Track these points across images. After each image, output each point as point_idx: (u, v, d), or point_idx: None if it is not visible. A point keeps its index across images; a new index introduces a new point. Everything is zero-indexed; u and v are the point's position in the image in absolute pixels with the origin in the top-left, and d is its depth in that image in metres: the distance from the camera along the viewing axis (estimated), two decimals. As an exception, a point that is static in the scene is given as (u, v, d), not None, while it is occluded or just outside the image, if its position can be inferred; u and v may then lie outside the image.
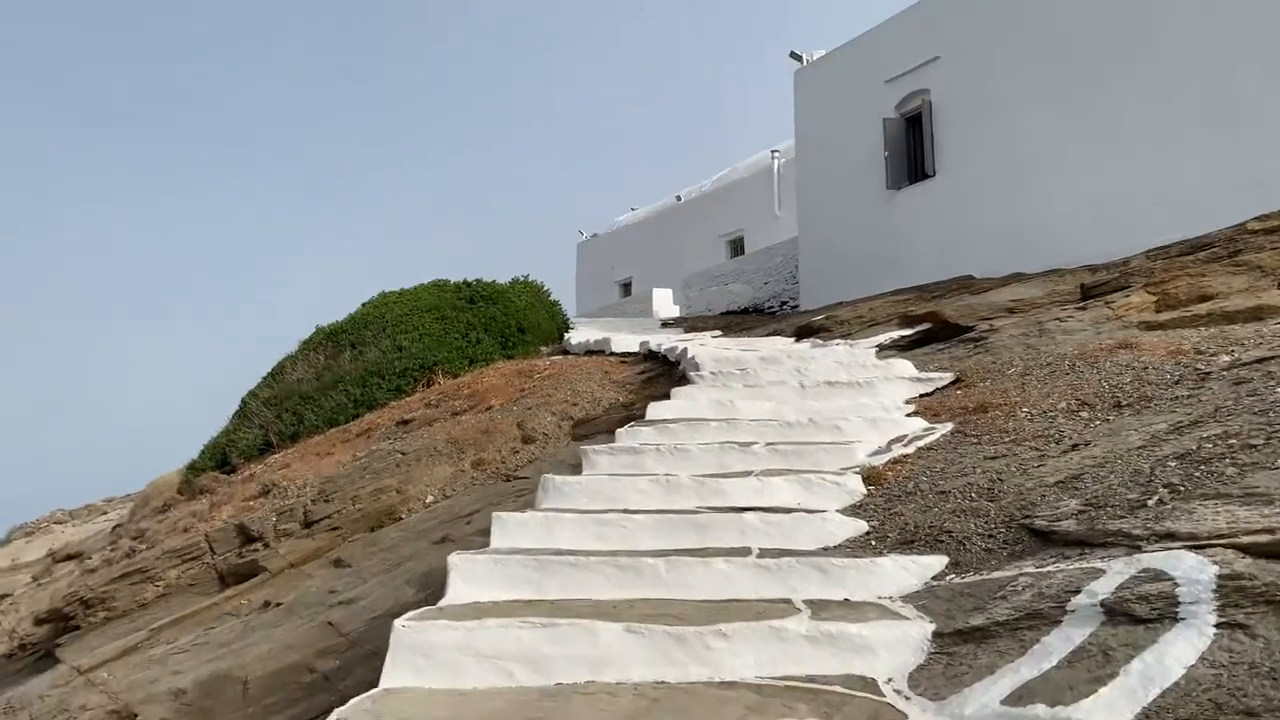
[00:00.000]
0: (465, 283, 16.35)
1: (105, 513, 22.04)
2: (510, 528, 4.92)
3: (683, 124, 66.23)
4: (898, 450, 6.00)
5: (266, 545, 8.97)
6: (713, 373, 8.30)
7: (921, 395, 7.43)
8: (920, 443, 6.09)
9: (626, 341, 13.01)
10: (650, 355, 11.91)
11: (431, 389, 13.67)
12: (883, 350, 10.16)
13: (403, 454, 9.95)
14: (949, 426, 6.31)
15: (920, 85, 14.91)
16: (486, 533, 5.65)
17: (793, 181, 21.47)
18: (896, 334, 10.44)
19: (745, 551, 4.41)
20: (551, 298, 17.80)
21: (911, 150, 15.19)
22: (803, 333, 11.74)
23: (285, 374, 15.41)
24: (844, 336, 10.90)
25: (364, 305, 16.77)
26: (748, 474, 5.63)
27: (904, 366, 8.18)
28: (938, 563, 4.16)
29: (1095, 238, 12.34)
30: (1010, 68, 13.60)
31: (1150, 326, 8.51)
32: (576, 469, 8.56)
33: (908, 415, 6.86)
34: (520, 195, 70.90)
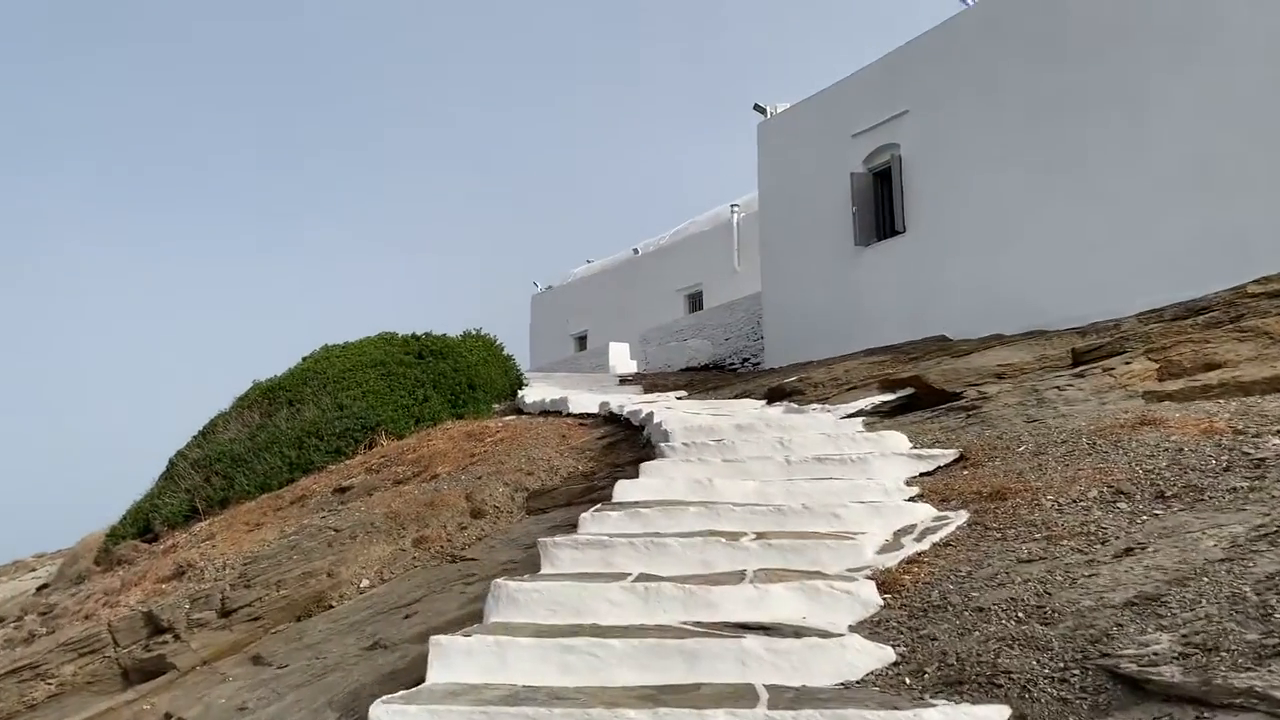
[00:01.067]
0: (414, 336, 15.30)
1: (34, 569, 20.44)
2: (452, 657, 3.88)
3: (641, 176, 65.62)
4: (910, 546, 5.07)
5: (177, 637, 7.77)
6: (685, 444, 7.34)
7: (922, 474, 6.54)
8: (934, 536, 5.17)
9: (585, 401, 12.03)
10: (611, 418, 10.94)
11: (374, 452, 12.56)
12: (864, 418, 9.30)
13: (336, 530, 8.83)
14: (964, 516, 5.41)
15: (889, 139, 14.28)
16: (425, 638, 4.63)
17: (753, 236, 20.79)
18: (877, 399, 9.59)
19: (751, 697, 3.43)
20: (505, 352, 16.80)
21: (880, 206, 14.52)
22: (774, 395, 10.85)
23: (217, 433, 14.19)
24: (820, 401, 10.03)
25: (305, 359, 15.63)
26: (740, 576, 4.65)
27: (897, 439, 7.30)
28: (999, 717, 3.22)
29: (1077, 298, 11.67)
30: (983, 121, 13.01)
31: (1158, 396, 7.74)
32: (531, 550, 7.55)
33: (910, 499, 5.96)
34: (473, 246, 69.29)
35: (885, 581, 4.63)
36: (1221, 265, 10.23)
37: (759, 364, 17.64)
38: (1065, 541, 4.68)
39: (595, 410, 11.54)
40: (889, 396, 9.61)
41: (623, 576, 4.76)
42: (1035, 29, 12.50)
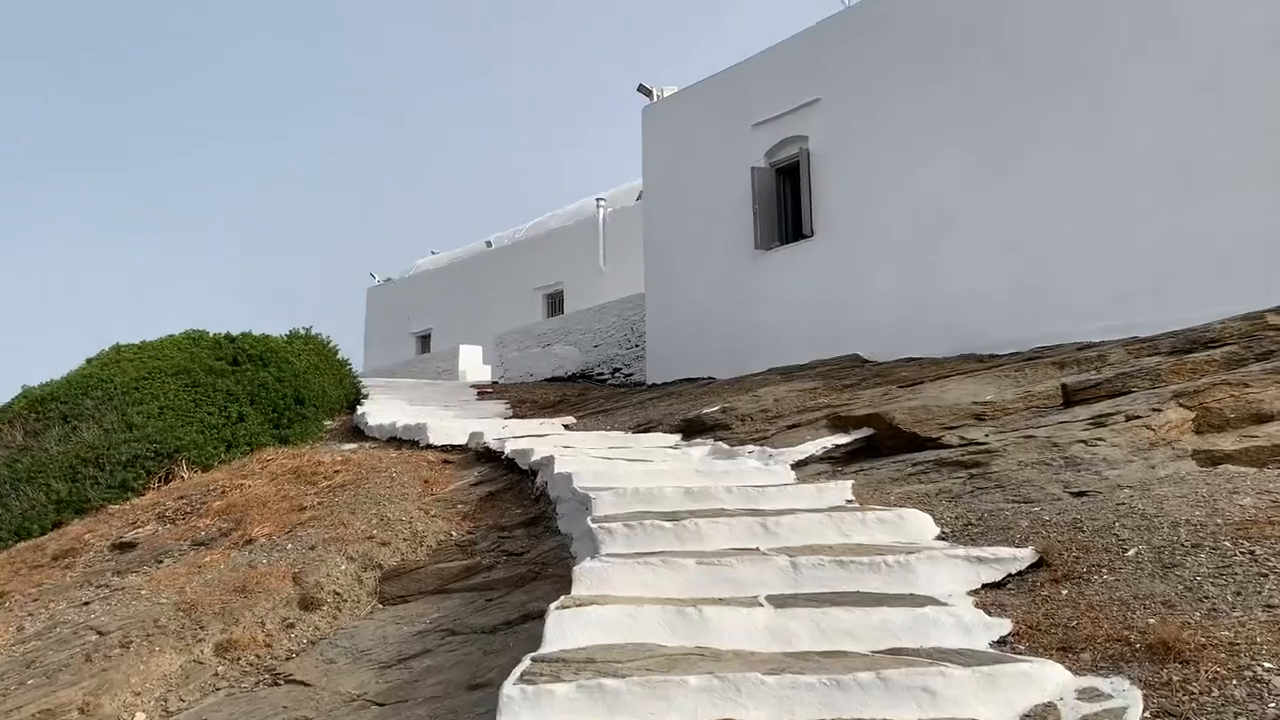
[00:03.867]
0: (227, 337, 12.17)
1: None
2: None
3: (499, 160, 60.48)
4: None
5: None
6: (626, 526, 4.91)
7: (986, 585, 4.36)
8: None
9: (448, 429, 9.39)
10: (487, 454, 8.37)
11: (170, 488, 9.53)
12: (817, 466, 7.14)
13: (101, 633, 5.92)
14: (1134, 695, 3.24)
15: (796, 131, 12.23)
16: None
17: (621, 233, 18.53)
18: (827, 441, 7.44)
19: None
20: (340, 357, 13.86)
21: (784, 205, 12.47)
22: (692, 429, 8.55)
23: (-40, 457, 10.71)
24: (755, 440, 7.79)
25: (89, 362, 12.25)
26: None
27: (918, 521, 5.11)
28: None
29: (1019, 318, 9.90)
30: (908, 112, 11.11)
31: (1213, 457, 5.89)
32: (390, 672, 5.05)
33: (1009, 645, 3.76)
34: (298, 230, 61.97)
35: None
36: (1207, 284, 8.63)
37: (632, 375, 15.38)
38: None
39: (464, 441, 8.94)
40: (842, 439, 7.47)
41: None
42: (970, 2, 10.69)
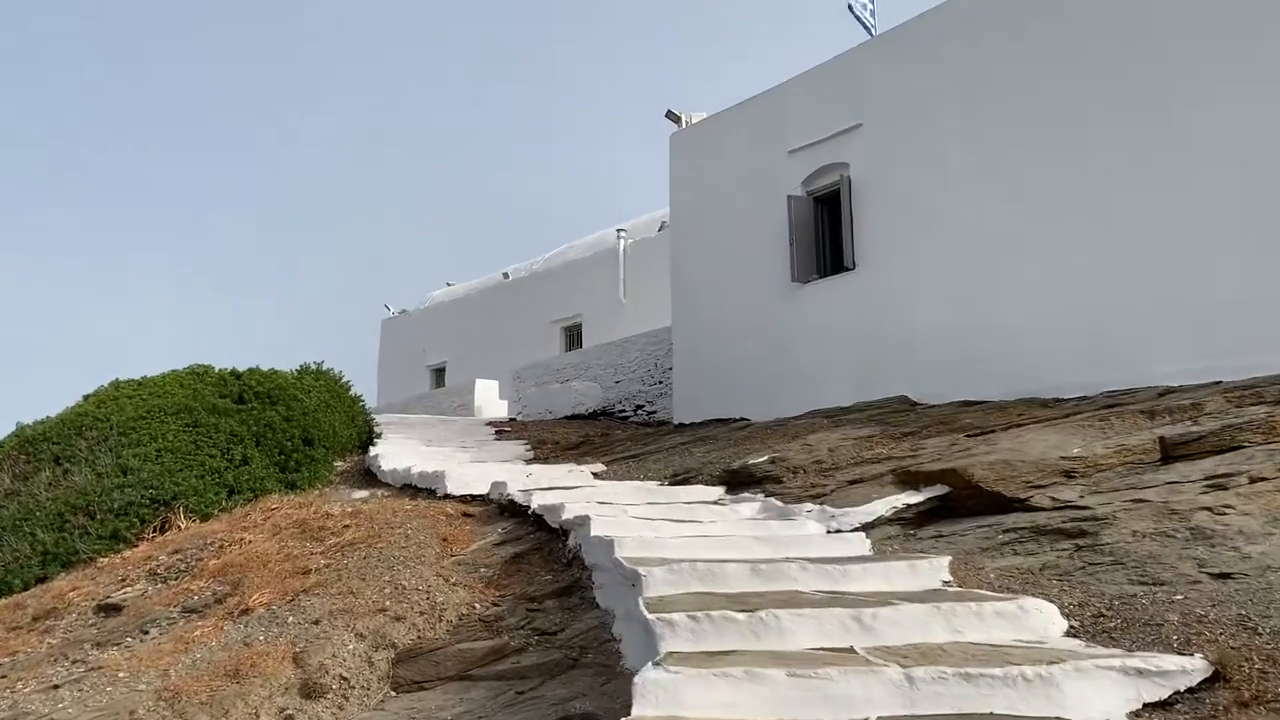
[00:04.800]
0: (233, 373, 11.35)
1: None
2: None
3: (516, 191, 59.43)
4: None
5: None
6: (691, 619, 4.02)
7: (1149, 705, 3.45)
8: None
9: (467, 476, 8.52)
10: (511, 508, 7.49)
11: (165, 539, 8.67)
12: (885, 529, 6.26)
13: (64, 730, 5.05)
14: None
15: (836, 158, 11.45)
16: None
17: (642, 265, 17.75)
18: (896, 500, 6.55)
19: None
20: (352, 392, 13.03)
21: (824, 236, 11.67)
22: (737, 481, 7.66)
23: (-55, 501, 9.88)
24: (813, 497, 6.90)
25: (86, 399, 11.43)
26: None
27: (1045, 613, 4.22)
28: None
29: (1081, 359, 9.06)
30: (958, 138, 10.32)
31: (1365, 529, 5.00)
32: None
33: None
34: (313, 262, 60.90)
35: None
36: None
37: (655, 413, 14.53)
38: None
39: (485, 491, 8.06)
40: (913, 497, 6.58)
41: None
42: (1032, 22, 9.90)
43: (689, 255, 13.00)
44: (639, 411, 14.93)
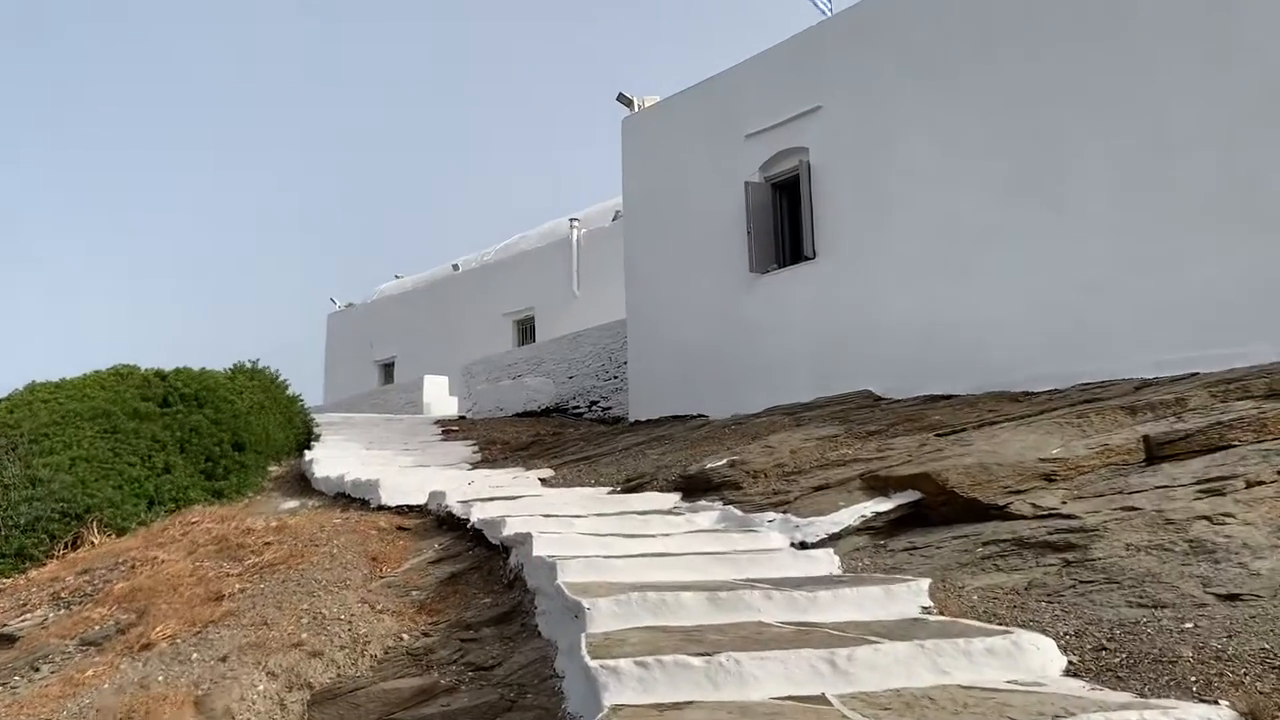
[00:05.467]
0: (158, 374, 10.57)
1: None
2: None
3: (466, 178, 57.67)
4: None
5: None
6: (640, 665, 3.44)
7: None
8: None
9: (404, 485, 7.86)
10: (450, 521, 6.86)
11: (77, 556, 7.94)
12: (853, 538, 5.74)
13: (-81, 796, 4.35)
14: None
15: (795, 142, 10.91)
16: None
17: (597, 255, 17.13)
18: (866, 508, 6.02)
19: None
20: (290, 392, 12.30)
21: (783, 225, 11.13)
22: (694, 488, 7.08)
23: None
24: (775, 505, 6.35)
25: (-2, 403, 10.58)
26: None
27: (1041, 648, 3.68)
28: None
29: (1057, 350, 8.62)
30: (921, 119, 9.83)
31: (1376, 539, 4.55)
32: None
33: None
34: (251, 250, 58.26)
35: None
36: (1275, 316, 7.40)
37: (611, 409, 13.95)
38: None
39: (422, 501, 7.43)
40: (883, 504, 6.06)
41: None
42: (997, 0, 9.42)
43: (643, 245, 12.41)
44: (594, 408, 14.34)
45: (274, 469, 10.74)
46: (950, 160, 9.52)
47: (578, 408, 14.43)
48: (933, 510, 5.98)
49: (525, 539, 5.48)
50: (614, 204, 16.86)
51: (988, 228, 9.22)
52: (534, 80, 61.27)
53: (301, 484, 9.73)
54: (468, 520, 6.49)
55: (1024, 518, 5.48)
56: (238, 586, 5.97)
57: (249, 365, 12.07)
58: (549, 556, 5.08)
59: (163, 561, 6.75)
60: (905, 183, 9.88)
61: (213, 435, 9.83)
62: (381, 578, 5.97)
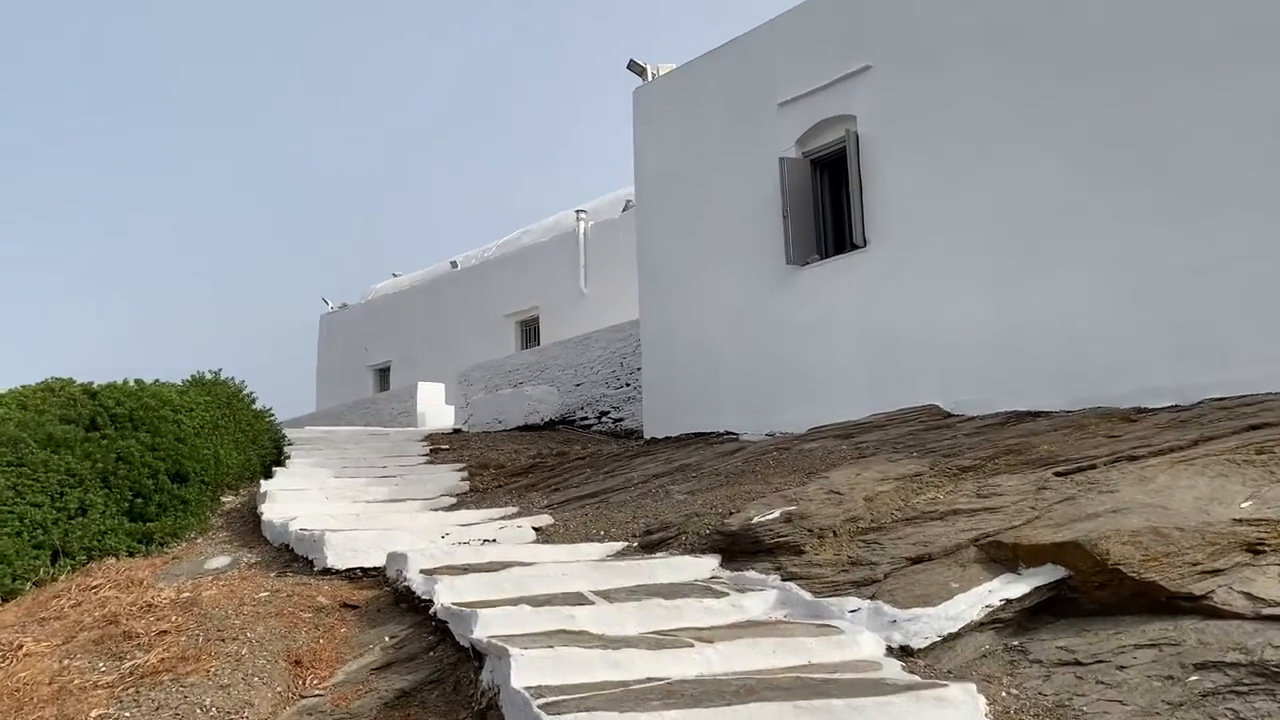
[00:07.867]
0: (86, 390, 8.74)
1: None
2: None
3: (465, 168, 54.61)
4: None
5: None
6: None
7: None
8: None
9: (358, 539, 5.99)
10: (408, 599, 4.99)
11: (-54, 630, 6.08)
12: (972, 638, 3.87)
13: None
14: None
15: (839, 110, 9.00)
16: None
17: (606, 249, 15.27)
18: (990, 590, 4.15)
19: None
20: (258, 406, 10.49)
21: (825, 208, 9.25)
22: (736, 550, 5.20)
23: None
24: (856, 583, 4.47)
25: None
26: None
27: None
28: None
29: (1165, 358, 6.76)
30: (989, 81, 7.94)
31: None
32: None
33: None
34: (243, 254, 53.76)
35: None
36: None
37: (623, 420, 12.12)
38: None
39: (380, 563, 5.57)
40: (1014, 588, 4.18)
41: None
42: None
43: (659, 235, 10.53)
44: (603, 419, 12.50)
45: (229, 500, 8.92)
46: (1024, 131, 7.62)
47: (586, 419, 12.59)
48: (1084, 594, 4.11)
49: (503, 653, 3.62)
50: (624, 194, 15.03)
51: (1072, 207, 7.33)
52: (537, 59, 58.73)
53: (254, 523, 7.90)
54: (430, 603, 4.63)
55: (1239, 616, 3.62)
56: (98, 712, 4.12)
57: (209, 376, 10.27)
58: (534, 689, 3.24)
59: (25, 655, 4.90)
60: (970, 157, 7.98)
61: (146, 465, 7.98)
62: (302, 697, 4.11)
